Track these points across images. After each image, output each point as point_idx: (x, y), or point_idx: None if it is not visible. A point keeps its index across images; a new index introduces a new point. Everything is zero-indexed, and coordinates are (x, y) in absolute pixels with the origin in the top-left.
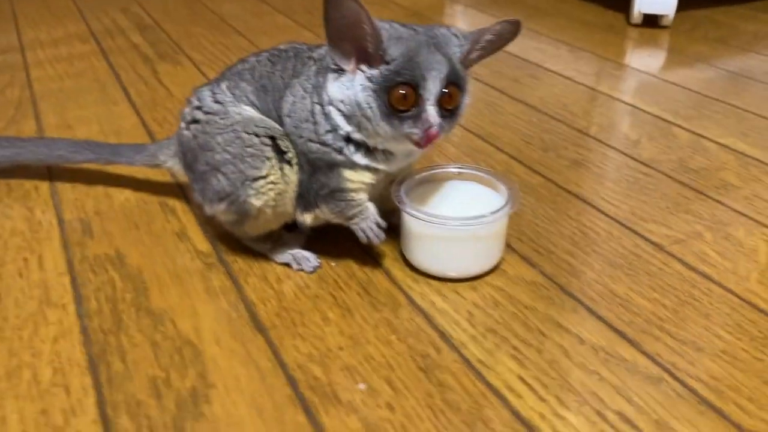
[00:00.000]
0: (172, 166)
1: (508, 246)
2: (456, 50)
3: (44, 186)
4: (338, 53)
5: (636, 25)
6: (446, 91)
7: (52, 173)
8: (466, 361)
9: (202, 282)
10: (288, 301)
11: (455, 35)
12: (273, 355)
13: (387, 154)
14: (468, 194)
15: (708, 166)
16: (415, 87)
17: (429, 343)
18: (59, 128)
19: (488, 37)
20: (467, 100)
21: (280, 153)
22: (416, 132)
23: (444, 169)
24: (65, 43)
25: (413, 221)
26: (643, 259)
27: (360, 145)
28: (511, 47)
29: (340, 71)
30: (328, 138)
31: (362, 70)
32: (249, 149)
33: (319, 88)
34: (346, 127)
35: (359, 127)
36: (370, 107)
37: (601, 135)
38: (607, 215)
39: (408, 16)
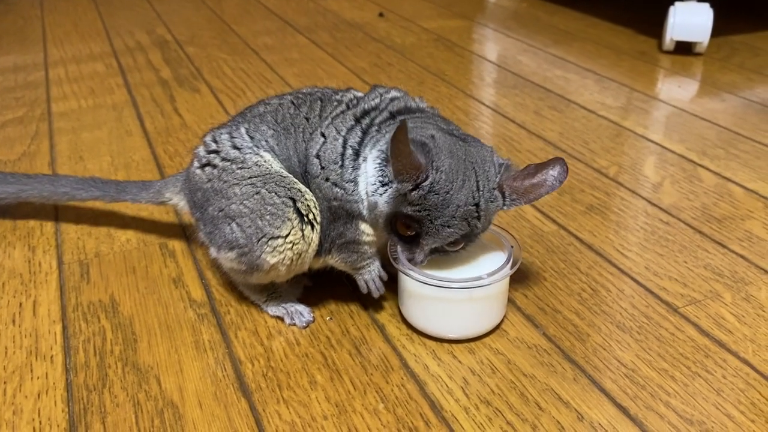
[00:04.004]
0: (177, 203)
1: (513, 303)
2: (491, 210)
3: (49, 224)
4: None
5: (668, 52)
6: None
7: (58, 210)
8: None
9: (192, 335)
10: (276, 360)
11: (504, 202)
12: (255, 422)
13: None
14: (468, 249)
15: (733, 215)
16: (419, 233)
17: (418, 414)
18: (71, 160)
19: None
20: (478, 238)
21: (300, 214)
22: (398, 255)
23: None
24: (87, 64)
25: (409, 280)
26: (654, 321)
27: None
28: (535, 76)
29: (386, 162)
30: (349, 187)
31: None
32: (270, 207)
33: (361, 141)
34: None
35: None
36: (381, 212)
37: (621, 177)
38: (620, 269)
39: (433, 40)
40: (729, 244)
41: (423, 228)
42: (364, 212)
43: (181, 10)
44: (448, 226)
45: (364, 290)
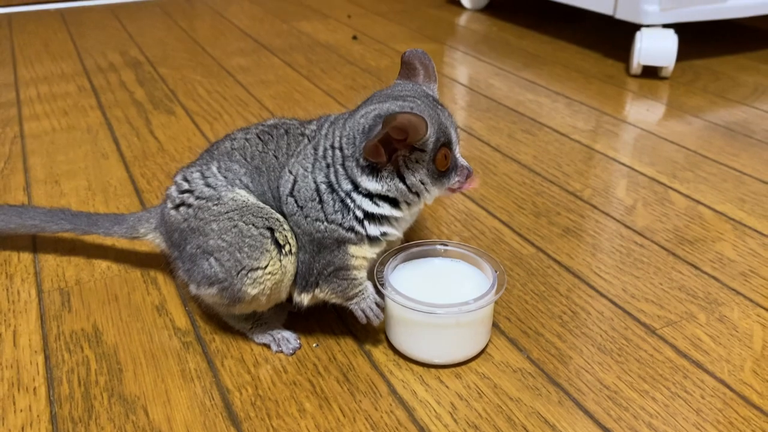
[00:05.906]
0: (153, 240)
1: (496, 326)
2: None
3: (26, 252)
4: (376, 156)
5: (635, 76)
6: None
7: (36, 238)
8: None
9: (178, 364)
10: (264, 389)
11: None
12: None
13: (399, 220)
14: (453, 274)
15: (704, 237)
16: (448, 145)
17: None
18: (47, 184)
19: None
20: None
21: (278, 245)
22: (458, 181)
23: (429, 246)
24: (60, 86)
25: (396, 305)
26: (633, 343)
27: (375, 218)
28: (508, 99)
29: (372, 167)
30: (338, 217)
31: (400, 157)
32: (248, 239)
33: (331, 175)
34: (379, 210)
35: (406, 204)
36: (423, 183)
37: (595, 199)
38: (598, 292)
39: None
40: (701, 265)
41: (448, 139)
42: (362, 231)
43: (153, 31)
44: (450, 122)
45: (362, 320)
